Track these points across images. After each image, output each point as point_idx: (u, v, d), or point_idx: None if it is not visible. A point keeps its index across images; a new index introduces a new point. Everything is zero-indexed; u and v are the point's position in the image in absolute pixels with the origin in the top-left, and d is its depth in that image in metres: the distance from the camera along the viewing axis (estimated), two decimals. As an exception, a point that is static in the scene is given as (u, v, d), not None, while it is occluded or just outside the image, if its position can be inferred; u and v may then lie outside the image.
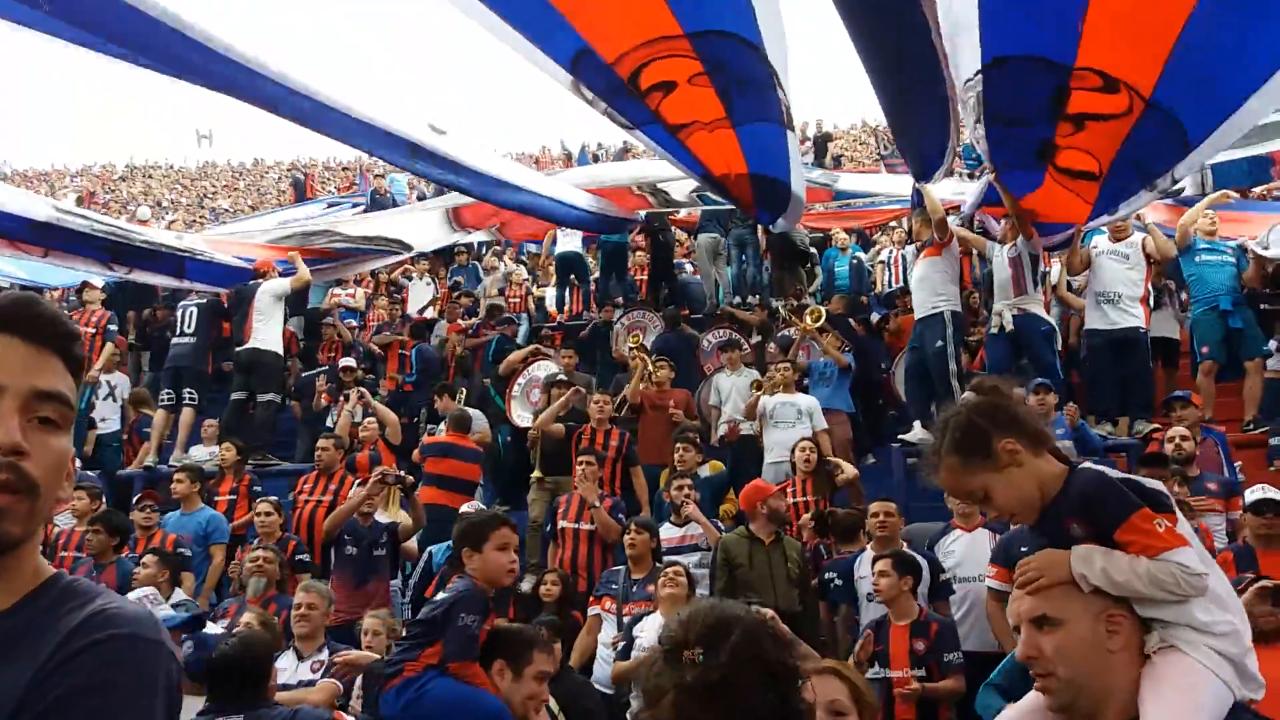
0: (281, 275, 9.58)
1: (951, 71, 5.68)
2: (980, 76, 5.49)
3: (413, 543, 6.78)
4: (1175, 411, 6.76)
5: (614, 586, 5.66)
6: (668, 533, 6.18)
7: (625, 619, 5.39)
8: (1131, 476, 1.84)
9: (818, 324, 8.47)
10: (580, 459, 6.68)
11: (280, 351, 9.25)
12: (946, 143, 7.34)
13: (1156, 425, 7.15)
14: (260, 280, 9.31)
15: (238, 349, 9.14)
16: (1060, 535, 1.85)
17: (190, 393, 9.12)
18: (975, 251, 9.13)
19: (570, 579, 5.94)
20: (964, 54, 5.38)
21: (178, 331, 9.38)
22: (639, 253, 13.42)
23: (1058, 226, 7.63)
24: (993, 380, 2.02)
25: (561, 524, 6.48)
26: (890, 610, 4.69)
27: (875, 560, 4.88)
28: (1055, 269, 8.64)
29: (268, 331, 9.05)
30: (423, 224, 11.57)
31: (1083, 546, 1.77)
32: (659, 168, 10.49)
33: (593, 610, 5.68)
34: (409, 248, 11.57)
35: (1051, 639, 1.72)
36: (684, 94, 6.43)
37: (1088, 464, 1.88)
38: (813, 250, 12.36)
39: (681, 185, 10.52)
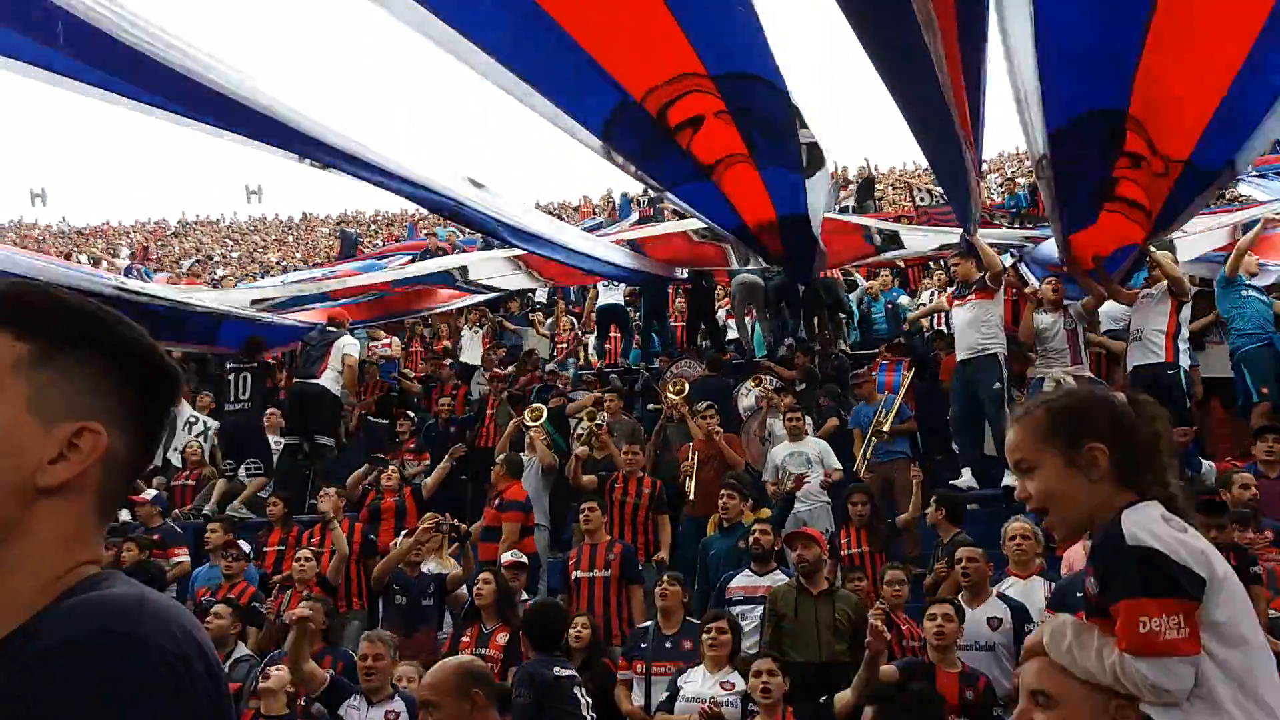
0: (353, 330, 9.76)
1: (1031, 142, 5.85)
2: (1049, 151, 5.75)
3: (462, 591, 6.80)
4: (1266, 442, 6.53)
5: (643, 646, 5.60)
6: (748, 581, 6.10)
7: (654, 679, 5.35)
8: (1175, 540, 1.54)
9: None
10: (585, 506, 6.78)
11: (339, 398, 9.37)
12: (969, 198, 7.53)
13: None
14: (343, 330, 9.50)
15: (300, 380, 9.14)
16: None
17: (255, 463, 9.09)
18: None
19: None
20: (1036, 130, 5.60)
21: (231, 398, 9.29)
22: (679, 300, 13.48)
23: (1118, 258, 7.63)
24: (1156, 405, 1.77)
25: (575, 574, 6.47)
26: (941, 656, 4.68)
27: (932, 604, 4.87)
28: None
29: (336, 379, 9.17)
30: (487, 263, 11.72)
31: (1059, 618, 1.63)
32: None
33: (623, 675, 5.61)
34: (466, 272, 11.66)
35: (1046, 716, 1.55)
36: (710, 129, 6.53)
37: (1139, 510, 1.59)
38: (846, 297, 12.26)
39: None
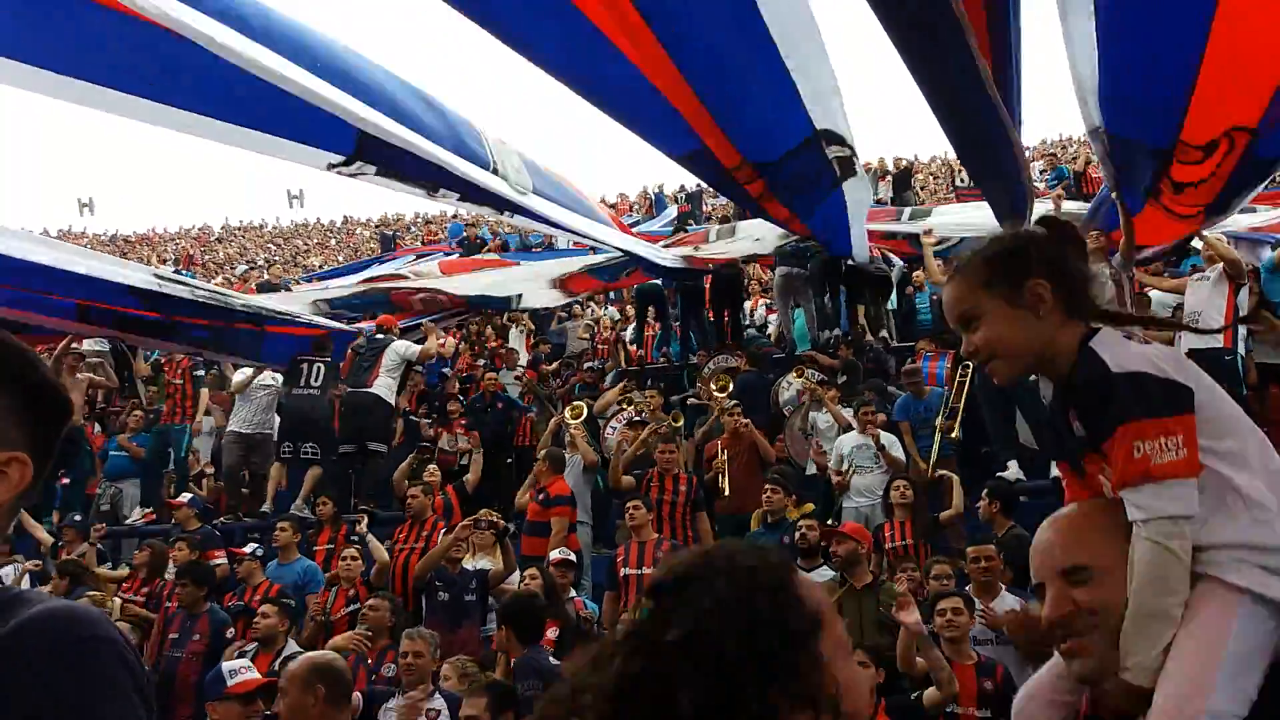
0: (402, 334, 9.76)
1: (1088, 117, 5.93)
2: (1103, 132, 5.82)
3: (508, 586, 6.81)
4: None
5: None
6: None
7: None
8: (1157, 357, 1.47)
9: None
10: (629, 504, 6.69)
11: (393, 405, 9.35)
12: (1023, 187, 7.40)
13: None
14: (391, 336, 9.43)
15: (352, 390, 9.08)
16: (1066, 428, 1.57)
17: (313, 447, 8.99)
18: None
19: None
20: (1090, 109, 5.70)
21: (301, 384, 9.11)
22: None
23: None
24: (1069, 221, 1.71)
25: (624, 571, 6.41)
26: (955, 649, 4.65)
27: (940, 598, 4.84)
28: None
29: (389, 386, 9.08)
30: (532, 286, 11.83)
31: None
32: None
33: None
34: (519, 297, 11.80)
35: (1089, 592, 1.41)
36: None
37: (1106, 339, 1.53)
38: (889, 275, 11.96)
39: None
